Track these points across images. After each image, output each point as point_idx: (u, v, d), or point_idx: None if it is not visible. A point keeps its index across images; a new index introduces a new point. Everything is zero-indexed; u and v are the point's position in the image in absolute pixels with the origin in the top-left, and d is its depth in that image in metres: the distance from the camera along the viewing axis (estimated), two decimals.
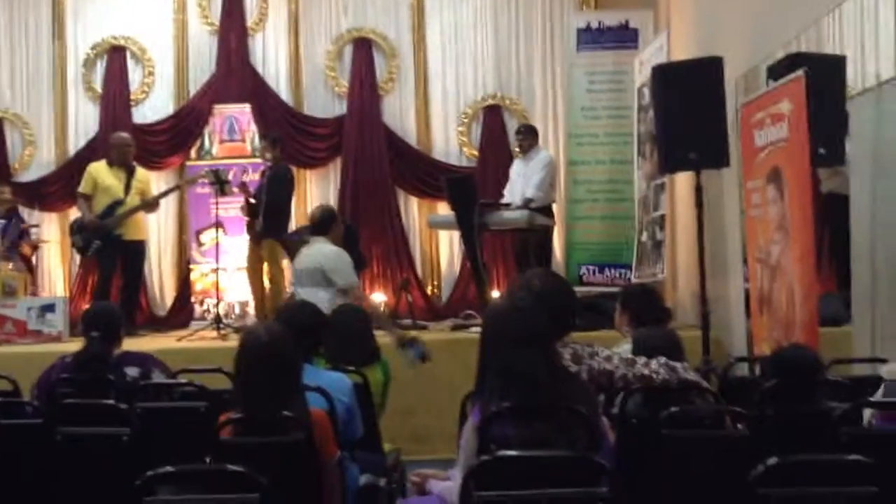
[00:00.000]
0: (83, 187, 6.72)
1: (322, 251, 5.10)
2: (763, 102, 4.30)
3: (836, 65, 4.62)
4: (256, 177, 7.08)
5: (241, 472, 1.99)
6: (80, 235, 6.64)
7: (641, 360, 2.64)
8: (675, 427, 2.41)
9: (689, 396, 2.70)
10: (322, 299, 4.64)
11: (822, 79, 4.14)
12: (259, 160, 7.27)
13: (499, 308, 2.60)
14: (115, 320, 3.73)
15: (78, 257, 7.44)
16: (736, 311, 5.25)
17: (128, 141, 6.88)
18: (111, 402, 2.94)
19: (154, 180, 7.52)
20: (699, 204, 5.05)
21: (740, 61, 5.15)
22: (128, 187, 6.69)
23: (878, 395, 2.82)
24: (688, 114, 4.90)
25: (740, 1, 5.39)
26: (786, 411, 2.51)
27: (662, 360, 2.64)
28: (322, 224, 5.15)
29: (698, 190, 5.04)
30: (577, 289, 5.05)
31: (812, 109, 3.83)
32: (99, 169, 6.77)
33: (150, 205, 6.86)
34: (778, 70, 4.43)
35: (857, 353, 4.03)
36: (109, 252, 6.60)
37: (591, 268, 7.21)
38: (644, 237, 6.46)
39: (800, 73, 3.87)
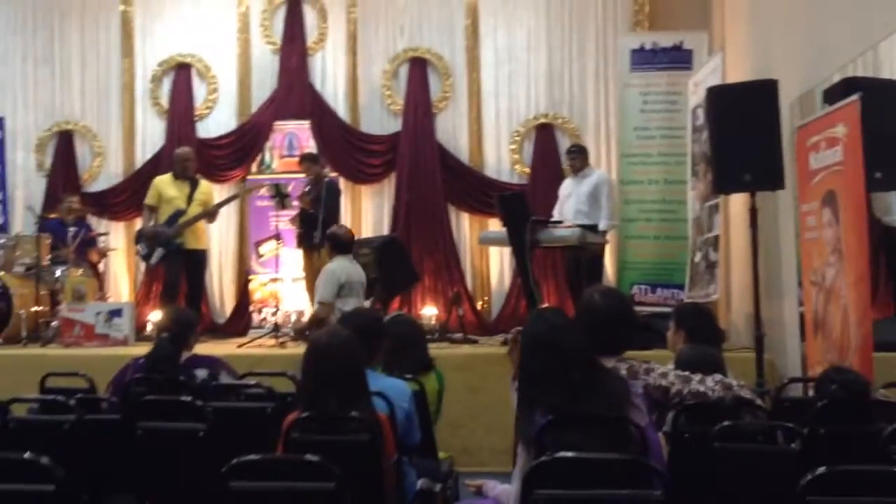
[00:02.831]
0: (149, 199, 7.01)
1: (357, 267, 5.98)
2: (818, 126, 4.33)
3: (892, 90, 4.62)
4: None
5: (318, 462, 2.11)
6: (144, 244, 6.90)
7: (697, 376, 2.68)
8: (726, 441, 2.47)
9: (740, 413, 2.75)
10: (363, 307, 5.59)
11: (879, 103, 4.15)
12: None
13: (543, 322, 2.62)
14: (188, 326, 3.94)
15: (143, 265, 7.69)
16: (791, 333, 5.21)
17: (187, 155, 7.10)
18: (188, 398, 3.10)
19: (217, 193, 7.76)
20: (754, 225, 5.07)
21: (795, 84, 5.17)
22: (190, 199, 6.94)
23: None
24: (742, 135, 4.94)
25: (795, 25, 5.41)
26: (837, 430, 2.55)
27: (718, 377, 2.69)
28: (351, 244, 5.99)
29: (753, 211, 5.07)
30: None
31: (868, 134, 3.84)
32: (163, 181, 7.05)
33: (210, 214, 7.03)
34: (833, 94, 4.45)
35: None
36: (173, 260, 6.85)
37: (643, 287, 7.25)
38: (697, 258, 6.47)
39: (855, 97, 3.90)
